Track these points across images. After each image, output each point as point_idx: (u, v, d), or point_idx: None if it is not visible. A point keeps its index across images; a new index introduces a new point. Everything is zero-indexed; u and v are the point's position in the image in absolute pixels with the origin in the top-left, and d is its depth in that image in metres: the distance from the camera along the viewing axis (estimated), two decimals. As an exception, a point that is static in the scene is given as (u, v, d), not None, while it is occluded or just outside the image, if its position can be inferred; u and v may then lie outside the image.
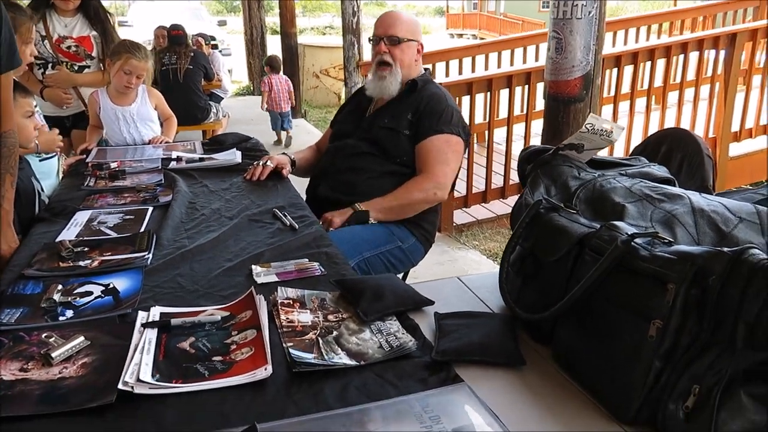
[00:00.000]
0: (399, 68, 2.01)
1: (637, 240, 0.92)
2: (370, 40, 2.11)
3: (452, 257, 3.56)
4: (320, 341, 1.06)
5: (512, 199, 4.17)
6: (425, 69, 2.16)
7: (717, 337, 0.80)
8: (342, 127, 2.18)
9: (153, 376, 0.95)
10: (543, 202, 1.12)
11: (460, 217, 4.04)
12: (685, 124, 4.28)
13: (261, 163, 2.05)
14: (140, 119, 2.71)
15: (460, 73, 5.36)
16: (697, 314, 0.82)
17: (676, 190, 1.12)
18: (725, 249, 0.81)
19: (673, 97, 4.39)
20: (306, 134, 6.92)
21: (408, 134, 1.98)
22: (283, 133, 6.59)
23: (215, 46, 7.88)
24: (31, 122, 1.81)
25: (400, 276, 2.19)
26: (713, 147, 4.41)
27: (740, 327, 0.77)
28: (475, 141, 4.09)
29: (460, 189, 4.08)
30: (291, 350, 1.03)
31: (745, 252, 0.79)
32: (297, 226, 1.64)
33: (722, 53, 4.19)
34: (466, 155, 3.99)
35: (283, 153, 2.17)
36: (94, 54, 2.96)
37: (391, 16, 2.08)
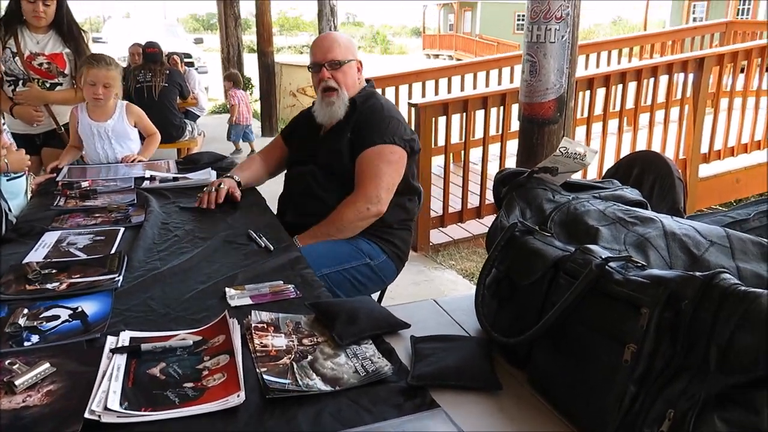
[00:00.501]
0: (344, 91, 2.02)
1: (611, 264, 0.92)
2: (309, 68, 2.09)
3: (428, 277, 3.56)
4: (295, 366, 1.05)
5: (488, 219, 4.20)
6: (367, 81, 2.14)
7: (690, 360, 0.80)
8: (296, 155, 2.18)
9: (121, 404, 0.92)
10: (518, 224, 1.12)
11: (436, 236, 4.04)
12: (656, 146, 4.37)
13: (213, 189, 1.98)
14: (115, 136, 2.68)
15: (436, 93, 5.41)
16: (671, 338, 0.83)
17: (649, 213, 1.13)
18: (697, 273, 0.82)
19: (644, 118, 4.49)
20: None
21: (348, 153, 1.98)
22: (246, 144, 6.75)
23: (190, 64, 7.86)
24: (-3, 140, 1.78)
25: (376, 295, 2.18)
26: (683, 168, 4.50)
27: (712, 350, 0.78)
28: (451, 161, 4.11)
29: (436, 208, 4.10)
30: (264, 376, 1.01)
31: (716, 276, 0.80)
32: (272, 248, 1.62)
33: (691, 76, 4.30)
34: (441, 174, 4.07)
35: (228, 176, 2.10)
36: (66, 71, 2.93)
37: (327, 39, 2.08)
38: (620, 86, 4.14)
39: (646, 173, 1.82)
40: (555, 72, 2.39)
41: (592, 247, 0.98)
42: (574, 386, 0.93)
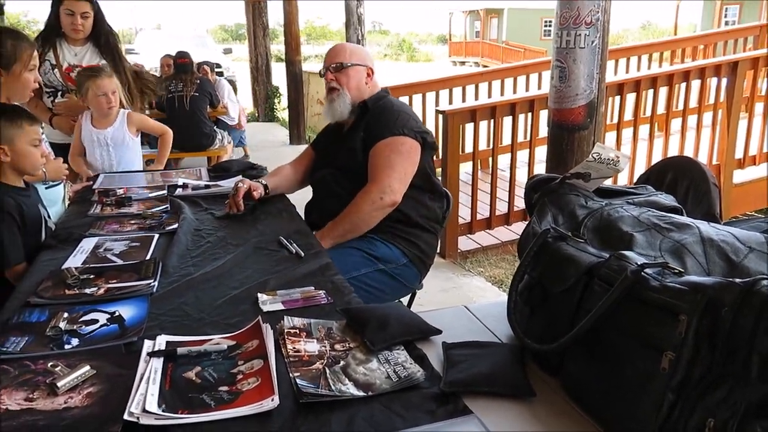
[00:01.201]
0: (346, 91, 2.11)
1: (647, 270, 0.91)
2: (320, 74, 2.20)
3: (457, 284, 3.55)
4: (327, 371, 1.05)
5: (517, 226, 4.17)
6: (384, 90, 2.20)
7: (730, 368, 0.79)
8: (319, 161, 2.25)
9: (159, 406, 0.94)
10: (551, 231, 1.11)
11: (464, 243, 4.03)
12: (688, 151, 4.30)
13: (232, 193, 2.02)
14: (114, 144, 2.75)
15: (464, 100, 5.40)
16: (709, 345, 0.81)
17: (685, 219, 1.12)
18: (736, 280, 0.80)
19: (676, 124, 4.42)
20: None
21: (362, 152, 2.03)
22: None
23: (220, 74, 7.98)
24: (38, 150, 1.83)
25: (405, 301, 2.18)
26: (717, 174, 4.41)
27: (754, 358, 0.76)
28: (479, 167, 4.10)
29: (465, 215, 4.09)
30: (298, 380, 1.02)
31: (757, 283, 0.78)
32: (303, 254, 1.64)
33: (724, 81, 4.22)
34: (469, 181, 4.05)
35: (257, 181, 2.15)
36: None
37: (336, 47, 2.20)
38: (651, 91, 4.08)
39: (679, 179, 1.79)
40: (585, 77, 2.37)
41: (627, 253, 0.97)
42: (609, 393, 0.92)
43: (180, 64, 5.41)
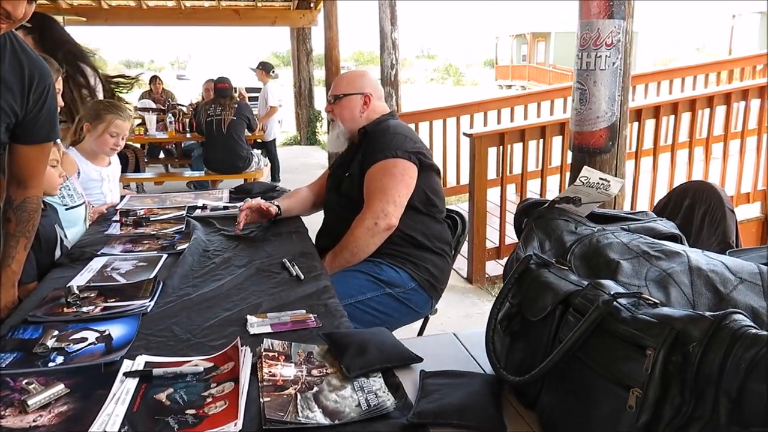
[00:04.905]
0: (340, 123, 2.15)
1: (621, 300, 0.86)
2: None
3: (482, 310, 3.47)
4: (299, 397, 1.04)
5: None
6: (389, 113, 2.19)
7: (698, 411, 0.73)
8: (330, 184, 2.25)
9: (122, 427, 0.94)
10: (533, 257, 1.07)
11: (492, 268, 3.95)
12: (731, 176, 4.12)
13: (239, 210, 2.06)
14: (115, 177, 2.69)
15: (499, 123, 5.36)
16: (680, 384, 0.76)
17: (676, 246, 1.06)
18: (707, 313, 0.75)
19: (717, 149, 4.25)
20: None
21: (359, 176, 2.03)
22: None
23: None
24: (56, 171, 1.89)
25: (417, 326, 2.14)
26: (763, 200, 4.22)
27: (722, 400, 0.71)
28: (510, 190, 4.04)
29: (493, 239, 4.02)
30: (266, 406, 1.00)
31: (727, 317, 0.73)
32: (302, 277, 1.63)
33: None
34: (497, 203, 3.98)
35: (271, 202, 2.17)
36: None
37: (336, 79, 2.25)
38: (688, 114, 3.94)
39: (697, 204, 1.72)
40: (606, 100, 2.30)
41: (605, 282, 0.92)
42: (580, 430, 0.87)
43: (219, 88, 5.56)
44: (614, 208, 2.28)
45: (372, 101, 2.14)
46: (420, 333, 2.18)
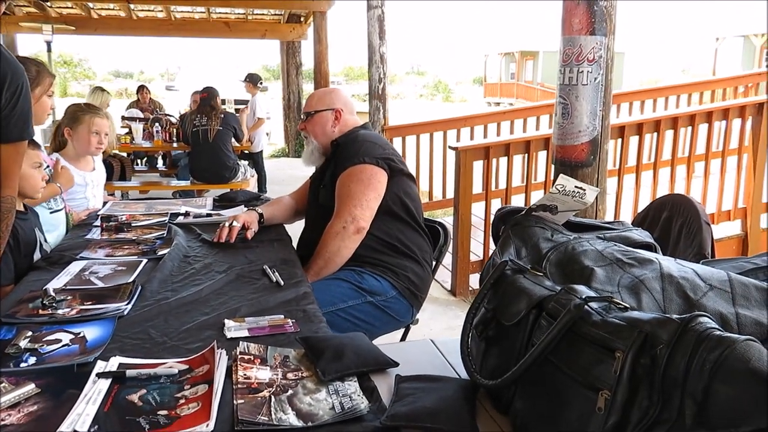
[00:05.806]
0: (312, 138, 2.19)
1: (592, 304, 0.87)
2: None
3: (465, 322, 3.47)
4: (273, 399, 1.03)
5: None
6: (362, 125, 2.21)
7: (665, 414, 0.74)
8: (310, 193, 2.27)
9: (91, 427, 0.93)
10: (509, 263, 1.08)
11: (475, 281, 3.95)
12: (712, 194, 4.18)
13: (227, 224, 2.03)
14: (100, 182, 2.70)
15: (485, 137, 5.40)
16: (649, 387, 0.77)
17: (649, 254, 1.07)
18: (674, 316, 0.76)
19: (699, 167, 4.31)
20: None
21: (331, 186, 2.05)
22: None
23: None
24: (38, 173, 1.88)
25: (398, 334, 2.14)
26: (743, 217, 4.28)
27: (688, 401, 0.72)
28: (495, 205, 4.07)
29: (478, 252, 4.04)
30: (239, 408, 1.00)
31: (693, 320, 0.74)
32: (282, 283, 1.63)
33: (749, 122, 4.12)
34: (482, 216, 4.00)
35: (252, 208, 2.18)
36: None
37: (308, 97, 2.29)
38: (671, 132, 4.01)
39: (674, 217, 1.75)
40: (588, 114, 2.34)
41: (577, 287, 0.93)
42: (551, 434, 0.87)
43: (203, 98, 5.56)
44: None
45: (343, 116, 2.16)
46: (402, 340, 2.17)
